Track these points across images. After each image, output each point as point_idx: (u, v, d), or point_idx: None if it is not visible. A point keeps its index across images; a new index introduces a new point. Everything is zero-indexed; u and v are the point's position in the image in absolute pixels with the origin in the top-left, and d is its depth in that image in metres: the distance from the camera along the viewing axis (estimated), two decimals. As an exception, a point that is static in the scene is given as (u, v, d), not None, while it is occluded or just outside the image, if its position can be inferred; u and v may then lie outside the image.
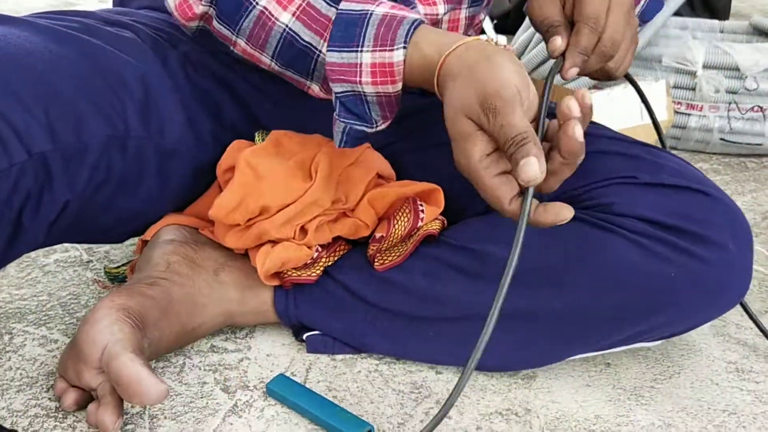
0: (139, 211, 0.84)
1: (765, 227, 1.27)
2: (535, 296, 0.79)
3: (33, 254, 1.05)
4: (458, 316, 0.81)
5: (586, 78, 1.64)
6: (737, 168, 1.54)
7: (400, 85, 0.71)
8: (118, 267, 0.96)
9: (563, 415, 0.79)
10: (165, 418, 0.75)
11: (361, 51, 0.71)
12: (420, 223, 0.83)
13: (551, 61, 1.69)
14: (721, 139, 1.56)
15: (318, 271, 0.84)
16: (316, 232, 0.83)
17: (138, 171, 0.79)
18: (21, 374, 0.81)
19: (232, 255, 0.87)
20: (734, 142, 1.55)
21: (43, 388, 0.79)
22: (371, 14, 0.71)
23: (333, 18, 0.72)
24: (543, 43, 1.69)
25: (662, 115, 1.56)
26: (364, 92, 0.72)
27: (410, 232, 0.83)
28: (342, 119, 0.73)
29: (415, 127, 0.93)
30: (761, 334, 0.91)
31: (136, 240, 0.92)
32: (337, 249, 0.87)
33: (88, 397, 0.74)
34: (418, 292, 0.82)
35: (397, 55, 0.70)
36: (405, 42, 0.70)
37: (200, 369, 0.83)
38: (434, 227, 0.84)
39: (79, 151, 0.72)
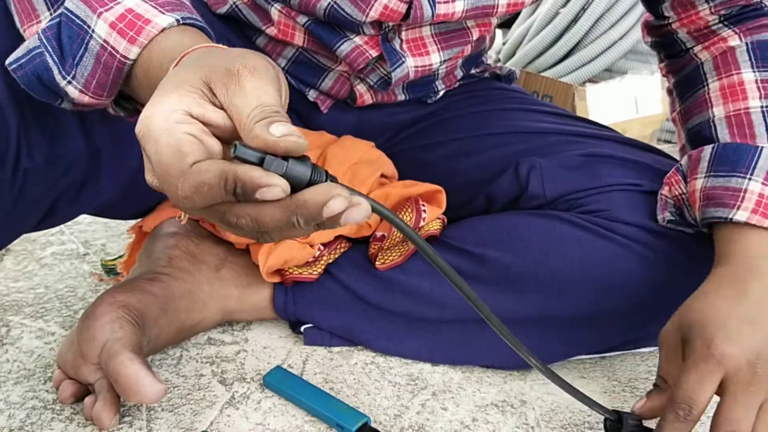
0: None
1: (758, 220, 1.27)
2: (533, 303, 0.79)
3: (29, 247, 1.05)
4: (457, 318, 0.81)
5: (581, 71, 1.65)
6: (731, 161, 1.54)
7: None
8: (115, 259, 0.96)
9: (558, 406, 0.80)
10: (162, 410, 0.76)
11: None
12: (422, 223, 0.84)
13: (546, 54, 1.70)
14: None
15: (319, 269, 0.84)
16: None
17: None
18: (18, 366, 0.81)
19: (232, 250, 0.87)
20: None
21: (40, 381, 0.79)
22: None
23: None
24: (538, 36, 1.69)
25: (657, 109, 1.56)
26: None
27: None
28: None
29: (414, 132, 0.93)
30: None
31: (132, 233, 0.92)
32: (338, 246, 0.87)
33: (85, 391, 0.75)
34: (419, 293, 0.82)
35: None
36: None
37: (197, 361, 0.83)
38: (435, 227, 0.85)
39: (131, 143, 0.70)
